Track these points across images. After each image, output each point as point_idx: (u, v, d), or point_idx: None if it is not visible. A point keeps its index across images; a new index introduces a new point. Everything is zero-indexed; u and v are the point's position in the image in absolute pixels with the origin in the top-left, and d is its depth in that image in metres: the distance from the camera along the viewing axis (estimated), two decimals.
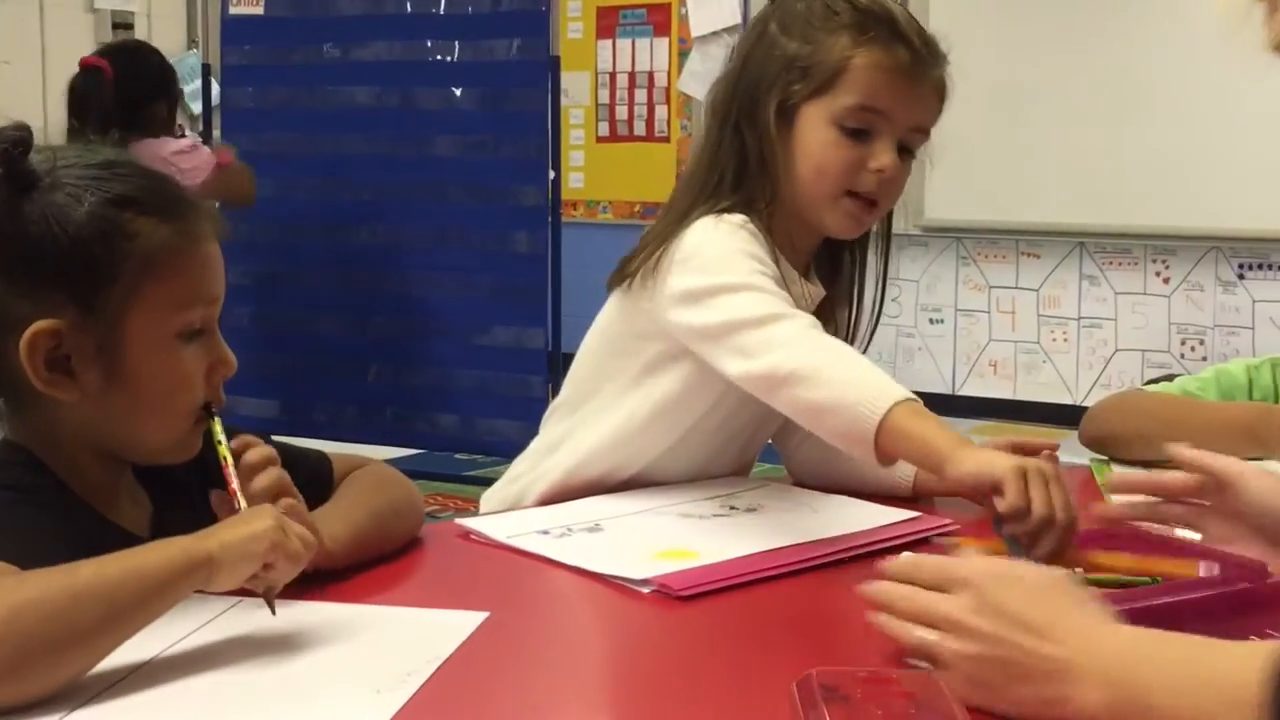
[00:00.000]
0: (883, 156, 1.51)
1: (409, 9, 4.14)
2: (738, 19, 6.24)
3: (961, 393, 5.92)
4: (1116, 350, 5.59)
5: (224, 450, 1.15)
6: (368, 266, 3.99)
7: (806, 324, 1.42)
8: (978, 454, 1.25)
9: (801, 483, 1.66)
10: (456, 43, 4.07)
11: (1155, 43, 5.23)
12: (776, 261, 1.51)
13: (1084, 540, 1.20)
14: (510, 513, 1.46)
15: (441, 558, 1.34)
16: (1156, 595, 1.06)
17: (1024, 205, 5.58)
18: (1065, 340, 5.71)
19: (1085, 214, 5.44)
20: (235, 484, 1.13)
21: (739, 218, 1.53)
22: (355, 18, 4.19)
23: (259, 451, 1.16)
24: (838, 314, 1.65)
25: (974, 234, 5.81)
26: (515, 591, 1.25)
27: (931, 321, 5.99)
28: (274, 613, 1.05)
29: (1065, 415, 5.65)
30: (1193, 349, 5.42)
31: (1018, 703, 0.87)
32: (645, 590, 1.20)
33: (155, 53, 3.98)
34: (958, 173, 5.69)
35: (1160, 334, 5.49)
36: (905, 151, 1.54)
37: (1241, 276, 5.15)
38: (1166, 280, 5.46)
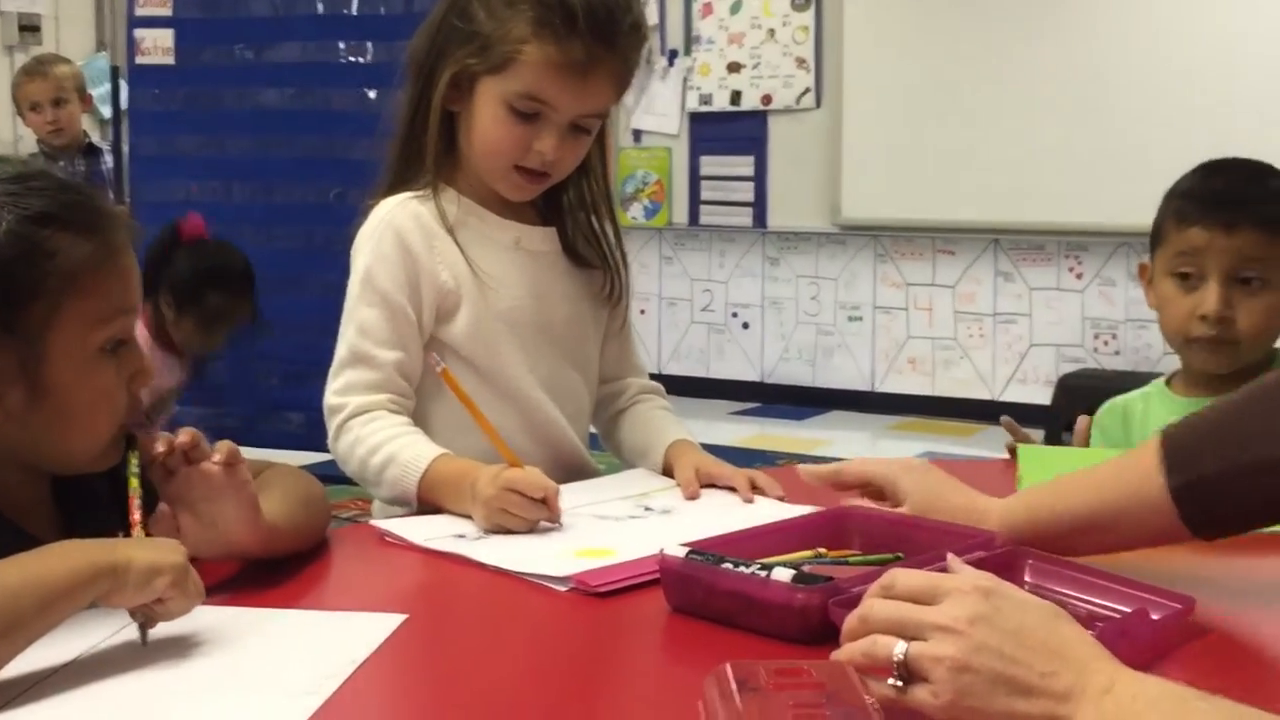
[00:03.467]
0: (546, 141, 1.55)
1: (321, 10, 4.11)
2: (653, 19, 6.28)
3: (880, 389, 5.98)
4: (1031, 345, 5.67)
5: (134, 483, 1.14)
6: (281, 270, 3.95)
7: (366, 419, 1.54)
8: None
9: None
10: (369, 44, 4.05)
11: (1065, 43, 5.30)
12: (452, 232, 1.59)
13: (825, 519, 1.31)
14: (426, 516, 1.45)
15: (358, 561, 1.33)
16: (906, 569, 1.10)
17: (940, 203, 5.64)
18: (981, 336, 5.78)
19: (999, 211, 5.51)
20: (138, 515, 1.12)
21: (409, 209, 1.59)
22: (266, 19, 4.15)
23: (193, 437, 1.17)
24: (589, 263, 1.70)
25: (891, 232, 5.86)
26: (433, 593, 1.25)
27: (850, 319, 6.04)
28: (144, 644, 1.03)
29: (982, 410, 5.72)
30: (1105, 343, 5.51)
31: (1007, 718, 0.84)
32: (563, 589, 1.20)
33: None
34: (874, 172, 5.75)
35: (1074, 328, 5.57)
36: (581, 130, 1.58)
37: None
38: (1079, 275, 5.54)
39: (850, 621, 0.92)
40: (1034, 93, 5.38)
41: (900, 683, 0.86)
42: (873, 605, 0.91)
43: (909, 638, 0.87)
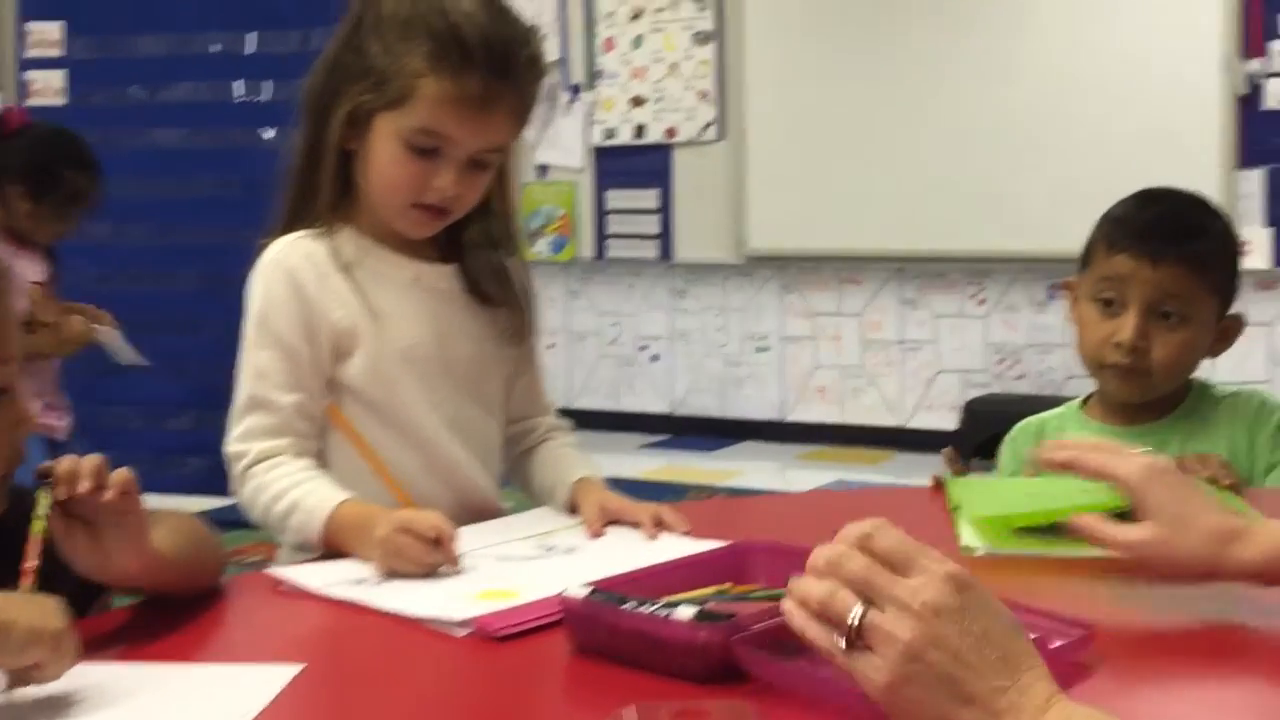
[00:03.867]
0: (445, 177, 1.53)
1: (216, 49, 4.06)
2: (556, 54, 6.29)
3: (790, 419, 6.00)
4: (938, 372, 5.72)
5: (40, 526, 1.10)
6: (179, 312, 3.90)
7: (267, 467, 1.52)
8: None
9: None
10: (266, 82, 4.01)
11: (964, 75, 5.38)
12: (347, 270, 1.56)
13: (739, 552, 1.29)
14: (324, 562, 1.42)
15: (253, 610, 1.30)
16: None
17: (844, 233, 5.68)
18: (888, 364, 5.83)
19: (903, 240, 5.56)
20: (34, 563, 1.09)
21: (301, 248, 1.57)
22: (160, 58, 4.10)
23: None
24: (496, 298, 1.68)
25: (796, 262, 5.90)
26: (331, 641, 1.22)
27: (758, 350, 6.06)
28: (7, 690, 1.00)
29: (891, 437, 5.77)
30: (1009, 368, 5.57)
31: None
32: (464, 633, 1.18)
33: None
34: (779, 203, 5.79)
35: (978, 354, 5.63)
36: (480, 164, 1.57)
37: (1052, 296, 5.31)
38: (982, 302, 5.61)
39: (817, 559, 0.88)
40: (935, 123, 5.44)
41: (844, 644, 0.84)
42: (846, 556, 0.87)
43: (868, 602, 0.84)
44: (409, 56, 1.50)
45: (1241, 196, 4.95)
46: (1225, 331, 1.84)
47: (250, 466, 1.52)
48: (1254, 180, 4.95)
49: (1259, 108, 4.93)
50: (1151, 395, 1.83)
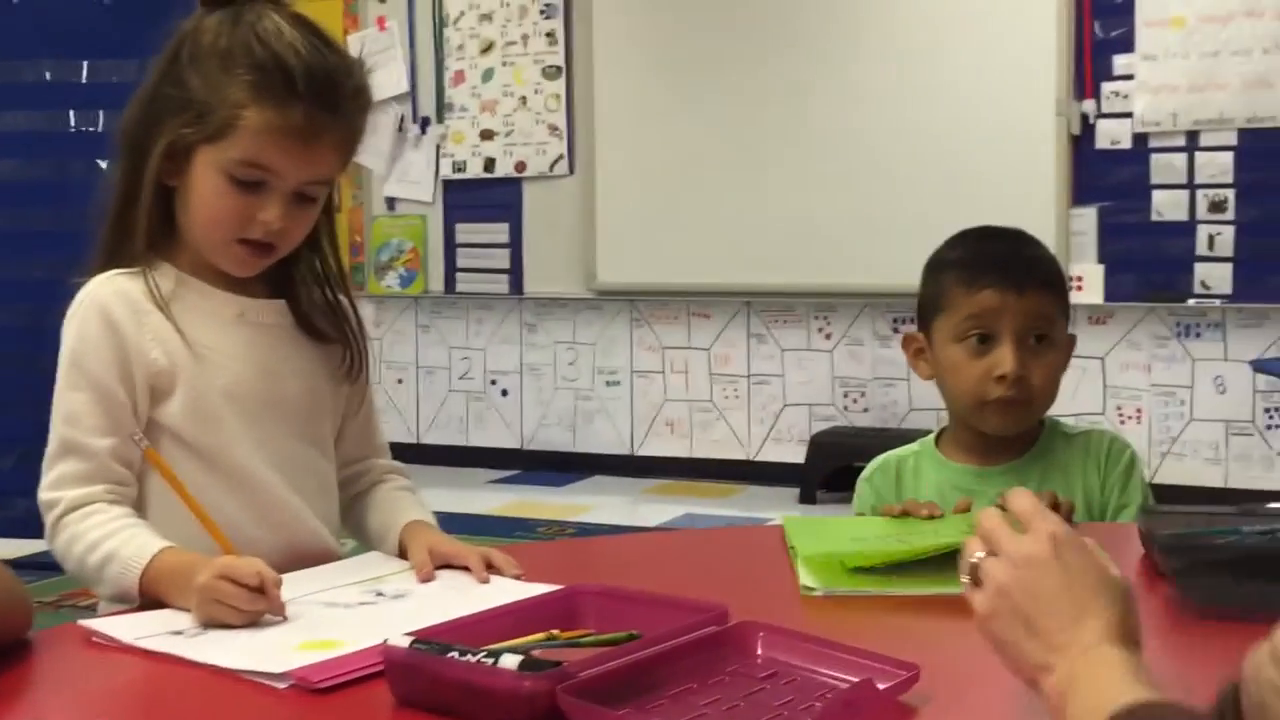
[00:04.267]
0: (270, 211, 1.50)
1: (48, 77, 3.95)
2: (405, 87, 6.24)
3: (640, 453, 6.00)
4: (785, 405, 5.78)
5: None
6: (7, 347, 3.76)
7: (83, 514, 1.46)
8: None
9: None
10: (101, 112, 3.90)
11: (810, 114, 5.46)
12: (165, 307, 1.51)
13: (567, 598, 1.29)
14: (141, 613, 1.36)
15: (60, 664, 1.24)
16: (640, 648, 1.13)
17: (693, 267, 5.72)
18: (737, 397, 5.87)
19: (751, 274, 5.62)
20: None
21: (115, 285, 1.52)
22: None
23: None
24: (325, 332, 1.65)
25: (646, 296, 5.92)
26: (141, 698, 1.17)
27: (608, 384, 6.06)
28: None
29: (740, 470, 5.80)
30: (855, 400, 5.65)
31: (1014, 648, 1.00)
32: (282, 685, 1.14)
33: None
34: (629, 237, 5.81)
35: (825, 388, 5.70)
36: (306, 198, 1.54)
37: (896, 330, 5.41)
38: (828, 336, 5.68)
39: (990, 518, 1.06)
40: (783, 160, 5.52)
41: (967, 580, 1.05)
42: (985, 514, 1.07)
43: (990, 551, 1.04)
44: (230, 88, 1.47)
45: (1074, 233, 5.10)
46: (1069, 351, 1.89)
47: (63, 515, 1.46)
48: (1087, 218, 5.11)
49: (1092, 147, 5.09)
50: (1028, 424, 1.86)
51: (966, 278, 1.83)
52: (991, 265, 1.82)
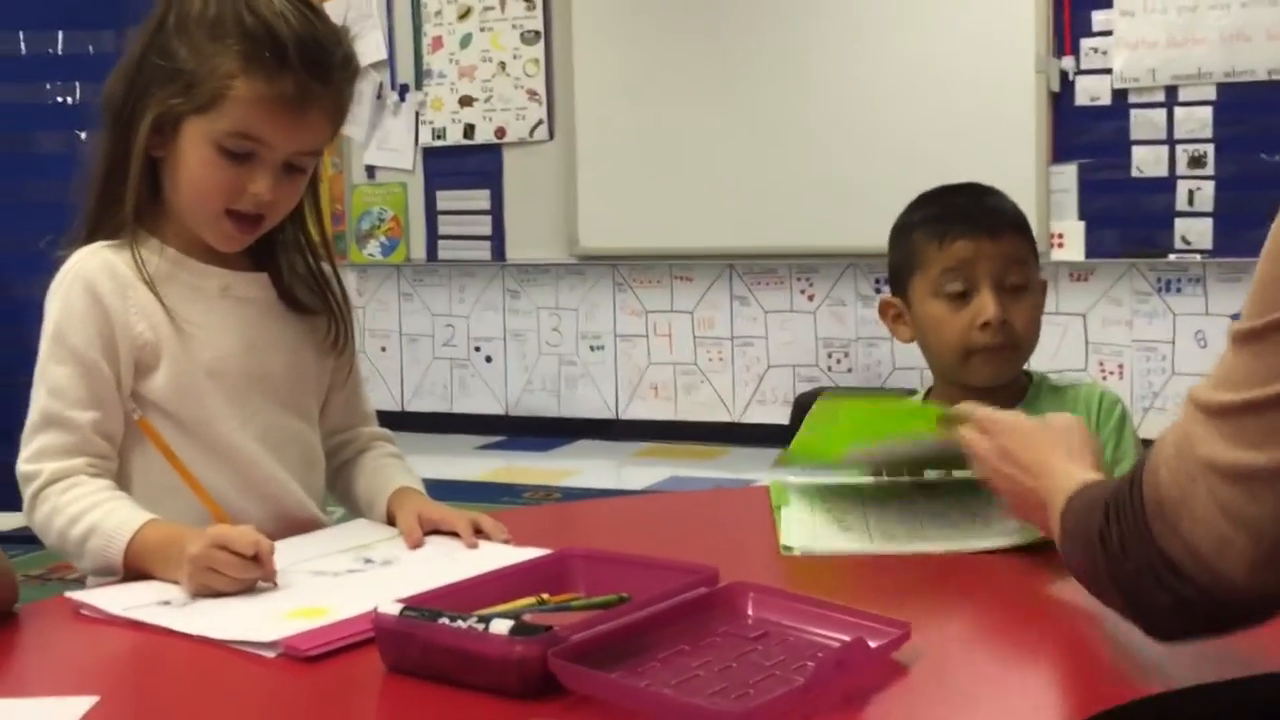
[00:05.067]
0: (260, 182, 1.49)
1: (24, 50, 3.91)
2: (383, 54, 6.20)
3: (625, 417, 6.00)
4: (769, 367, 5.78)
5: None
6: None
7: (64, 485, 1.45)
8: None
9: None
10: (77, 83, 3.87)
11: (791, 75, 5.44)
12: (150, 282, 1.50)
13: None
14: (129, 584, 1.36)
15: (47, 637, 1.24)
16: (631, 611, 1.13)
17: (675, 231, 5.70)
18: (721, 359, 5.87)
19: (733, 237, 5.60)
20: None
21: (101, 258, 1.51)
22: None
23: None
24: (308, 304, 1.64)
25: (628, 260, 5.90)
26: (130, 670, 1.17)
27: (592, 349, 6.05)
28: None
29: (724, 432, 5.81)
30: (839, 361, 5.65)
31: (1024, 513, 1.35)
32: (272, 654, 1.14)
33: None
34: (610, 201, 5.79)
35: (808, 349, 5.70)
36: (295, 169, 1.53)
37: (878, 290, 5.40)
38: (811, 297, 5.68)
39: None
40: (761, 122, 5.50)
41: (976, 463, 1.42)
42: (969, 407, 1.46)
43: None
44: (220, 57, 1.45)
45: (1054, 191, 5.09)
46: (1044, 295, 1.90)
47: (43, 488, 1.45)
48: (1067, 175, 5.10)
49: (1071, 104, 5.08)
50: (1016, 370, 1.86)
51: (938, 232, 1.84)
52: (960, 217, 1.84)
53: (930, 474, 1.69)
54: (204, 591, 1.30)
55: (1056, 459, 1.27)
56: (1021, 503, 1.33)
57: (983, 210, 1.86)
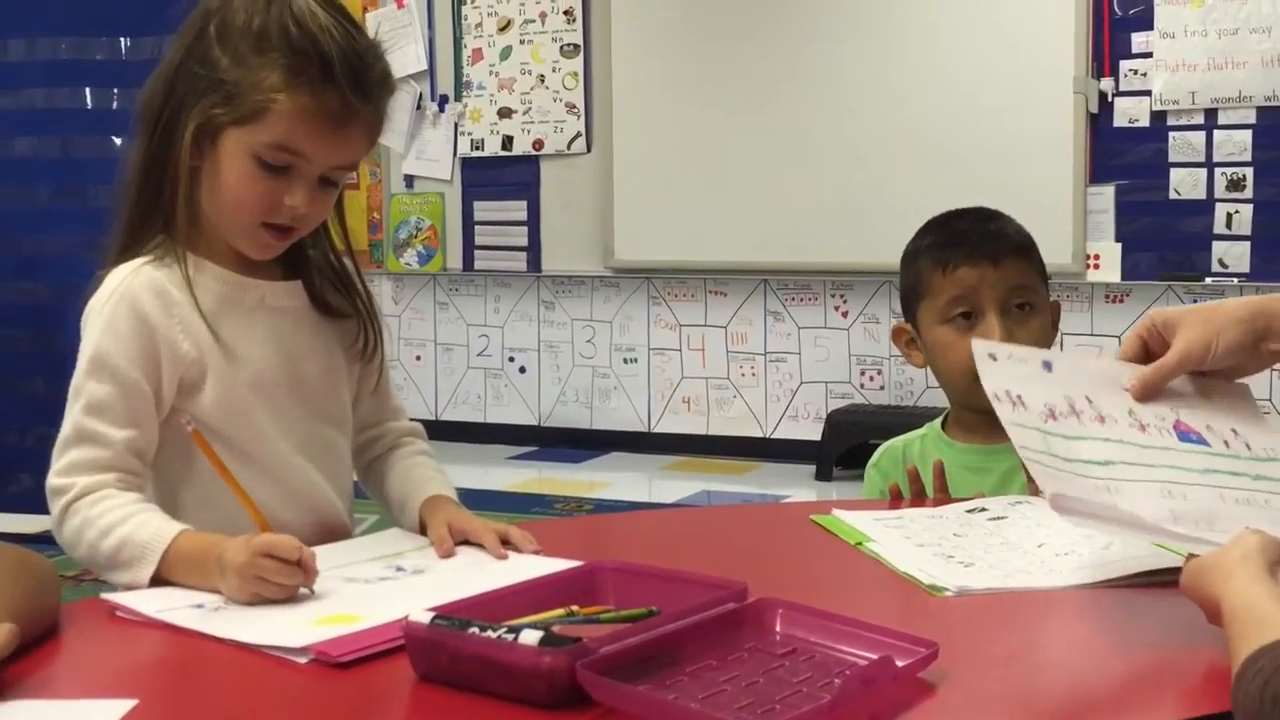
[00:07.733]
0: (297, 195, 1.49)
1: (64, 55, 3.95)
2: (423, 65, 6.24)
3: (656, 430, 6.01)
4: (802, 383, 5.77)
5: None
6: (24, 325, 3.78)
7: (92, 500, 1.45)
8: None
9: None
10: (115, 90, 3.91)
11: (829, 92, 5.44)
12: (194, 297, 1.51)
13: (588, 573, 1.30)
14: (163, 587, 1.37)
15: (84, 639, 1.25)
16: (659, 624, 1.13)
17: (710, 245, 5.71)
18: (753, 375, 5.87)
19: (768, 252, 5.61)
20: None
21: (145, 276, 1.51)
22: (9, 64, 3.98)
23: None
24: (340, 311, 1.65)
25: (663, 274, 5.92)
26: (165, 673, 1.18)
27: (625, 361, 6.07)
28: None
29: (756, 447, 5.81)
30: (871, 378, 5.64)
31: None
32: (302, 660, 1.15)
33: None
34: (646, 215, 5.80)
35: (841, 365, 5.70)
36: (329, 182, 1.54)
37: None
38: (845, 314, 5.68)
39: None
40: (798, 138, 5.50)
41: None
42: None
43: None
44: (265, 70, 1.45)
45: (1091, 212, 5.08)
46: (1055, 316, 1.90)
47: (74, 501, 1.45)
48: (1105, 196, 5.08)
49: (1110, 125, 5.06)
50: None
51: (941, 259, 1.85)
52: (962, 243, 1.85)
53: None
54: (255, 600, 1.30)
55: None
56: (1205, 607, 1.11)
57: (986, 236, 1.86)
